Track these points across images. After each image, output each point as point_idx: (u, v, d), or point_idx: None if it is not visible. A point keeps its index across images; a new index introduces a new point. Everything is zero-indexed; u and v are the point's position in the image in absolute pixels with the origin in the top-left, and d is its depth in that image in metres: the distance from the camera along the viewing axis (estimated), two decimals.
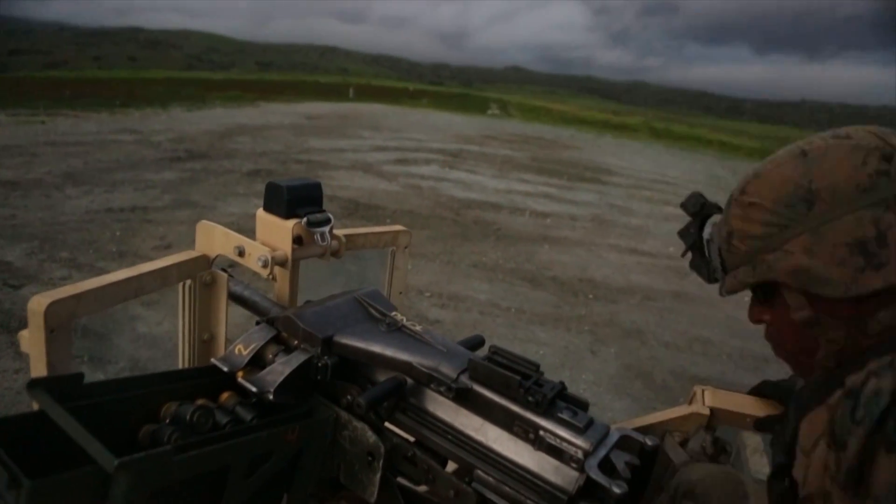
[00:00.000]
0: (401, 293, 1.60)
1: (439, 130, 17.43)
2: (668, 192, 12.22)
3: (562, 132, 19.86)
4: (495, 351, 1.01)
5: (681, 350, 5.05)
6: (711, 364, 4.82)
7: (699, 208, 1.01)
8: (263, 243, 1.19)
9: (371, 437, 1.02)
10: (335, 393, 1.08)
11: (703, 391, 1.15)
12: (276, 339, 1.10)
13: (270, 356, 1.07)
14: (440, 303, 5.49)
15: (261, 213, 1.19)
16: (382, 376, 1.06)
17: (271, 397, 0.99)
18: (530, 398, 0.93)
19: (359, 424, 1.03)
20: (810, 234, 0.78)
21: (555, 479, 0.92)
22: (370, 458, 1.03)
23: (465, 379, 0.99)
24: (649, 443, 0.95)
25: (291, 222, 1.15)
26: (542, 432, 0.93)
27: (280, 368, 1.02)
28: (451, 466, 1.04)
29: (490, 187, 10.58)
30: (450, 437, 1.00)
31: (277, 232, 1.16)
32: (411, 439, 1.06)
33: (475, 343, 1.17)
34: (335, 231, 1.28)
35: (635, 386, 4.48)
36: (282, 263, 1.17)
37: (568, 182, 12.03)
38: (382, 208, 8.35)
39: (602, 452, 0.91)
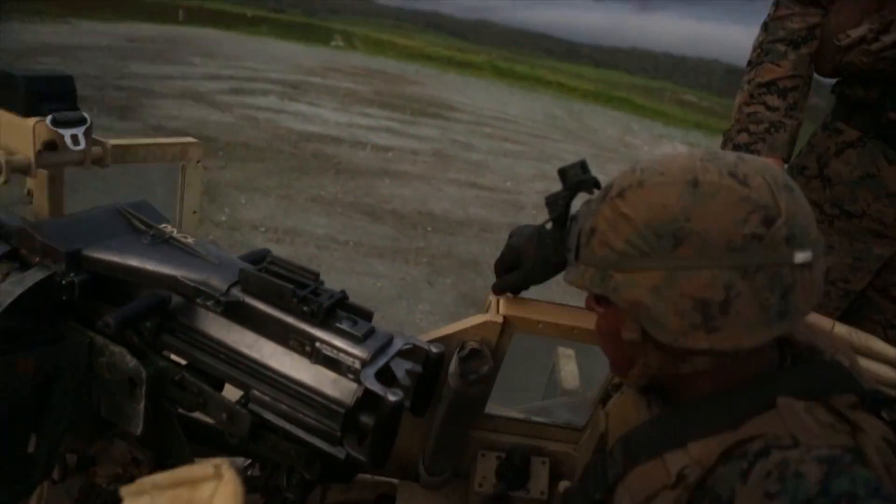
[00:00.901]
0: (195, 212, 1.46)
1: (279, 60, 16.49)
2: (508, 129, 12.56)
3: (407, 67, 19.60)
4: (272, 261, 0.93)
5: None
6: (541, 291, 5.09)
7: (577, 181, 0.92)
8: (1, 147, 1.01)
9: (131, 361, 0.91)
10: (91, 315, 0.95)
11: (497, 300, 1.15)
12: (10, 256, 0.94)
13: (1, 276, 0.91)
14: (275, 237, 5.29)
15: None
16: (147, 294, 0.95)
17: None
18: (305, 308, 0.87)
19: (116, 349, 0.92)
20: (664, 274, 0.73)
21: (332, 392, 0.87)
22: (132, 386, 0.92)
23: (236, 291, 0.91)
24: (434, 350, 0.93)
25: (32, 120, 0.97)
26: (318, 344, 0.87)
27: (9, 289, 0.87)
28: (232, 389, 0.96)
29: (331, 120, 10.25)
30: (222, 356, 0.92)
31: (14, 132, 0.98)
32: (183, 362, 0.96)
33: (259, 257, 1.08)
34: (102, 138, 1.11)
35: (470, 313, 4.56)
36: (23, 170, 0.99)
37: (411, 117, 11.95)
38: (214, 140, 7.80)
39: (381, 361, 0.87)
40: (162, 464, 1.18)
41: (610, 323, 0.83)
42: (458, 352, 1.08)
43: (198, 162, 1.42)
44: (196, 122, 8.39)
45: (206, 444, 1.09)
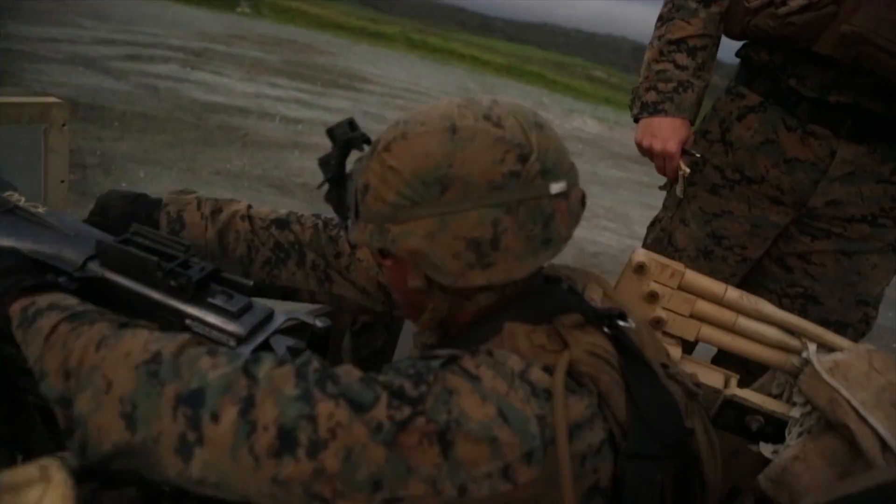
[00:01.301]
0: (63, 182, 1.32)
1: (180, 26, 15.59)
2: (421, 101, 12.46)
3: (317, 37, 18.98)
4: (136, 231, 0.84)
5: None
6: None
7: (346, 139, 0.92)
8: None
9: None
10: None
11: None
12: None
13: None
14: None
15: None
16: None
17: None
18: (172, 282, 0.78)
19: None
20: (436, 220, 0.76)
21: None
22: None
23: (93, 266, 0.81)
24: (319, 325, 0.87)
25: None
26: (188, 321, 0.80)
27: None
28: None
29: (237, 90, 9.83)
30: None
31: None
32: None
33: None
34: None
35: None
36: None
37: (322, 88, 11.64)
38: (109, 109, 7.32)
39: (259, 339, 0.81)
40: (27, 459, 1.07)
41: (396, 274, 0.86)
42: (351, 326, 1.03)
43: (63, 125, 1.28)
44: (88, 90, 7.82)
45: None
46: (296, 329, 0.87)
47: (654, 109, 1.61)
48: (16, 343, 0.87)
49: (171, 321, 0.80)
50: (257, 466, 0.64)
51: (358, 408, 0.66)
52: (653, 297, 1.18)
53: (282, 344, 0.83)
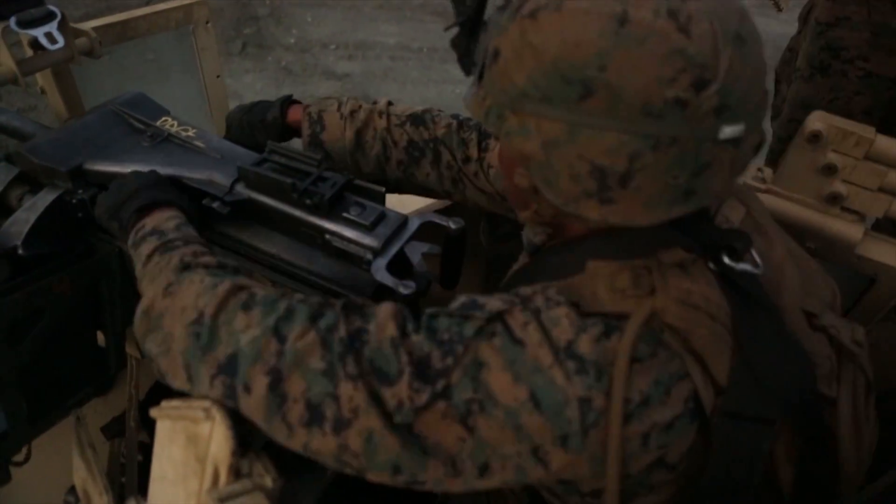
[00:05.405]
0: (218, 76, 1.39)
1: None
2: None
3: None
4: (272, 150, 0.88)
5: None
6: None
7: None
8: None
9: None
10: None
11: None
12: (22, 179, 0.93)
13: (15, 201, 0.92)
14: (347, 54, 5.14)
15: None
16: None
17: (21, 252, 0.86)
18: (308, 201, 0.82)
19: None
20: (564, 128, 0.61)
21: (351, 282, 0.86)
22: None
23: (240, 188, 0.88)
24: (453, 226, 0.87)
25: None
26: (327, 236, 0.84)
27: (24, 216, 0.87)
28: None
29: None
30: (241, 251, 0.91)
31: None
32: None
33: None
34: (83, 25, 1.04)
35: None
36: (10, 81, 0.95)
37: None
38: None
39: (394, 249, 0.83)
40: None
41: (506, 161, 0.74)
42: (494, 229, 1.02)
43: (207, 23, 1.33)
44: None
45: None
46: (429, 232, 0.89)
47: None
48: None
49: (314, 236, 0.86)
50: (291, 434, 0.64)
51: (381, 378, 0.62)
52: (829, 170, 1.00)
53: (417, 251, 0.85)
